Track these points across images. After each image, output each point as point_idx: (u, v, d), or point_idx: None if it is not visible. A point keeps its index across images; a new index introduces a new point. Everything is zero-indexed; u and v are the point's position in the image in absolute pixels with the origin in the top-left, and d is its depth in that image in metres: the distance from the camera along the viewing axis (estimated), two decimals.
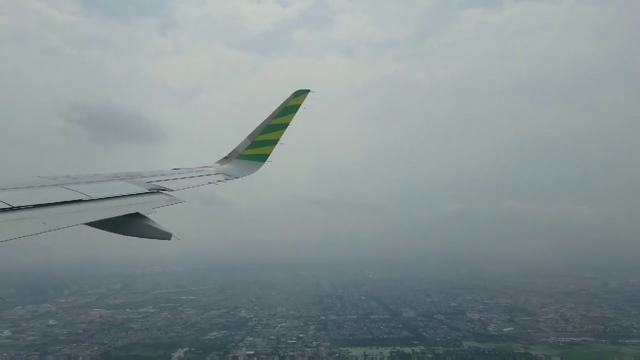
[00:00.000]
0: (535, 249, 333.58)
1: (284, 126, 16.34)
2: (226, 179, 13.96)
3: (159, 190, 10.09)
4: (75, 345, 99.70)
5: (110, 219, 7.59)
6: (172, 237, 8.16)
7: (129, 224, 8.06)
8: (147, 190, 9.82)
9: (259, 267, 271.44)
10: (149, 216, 8.30)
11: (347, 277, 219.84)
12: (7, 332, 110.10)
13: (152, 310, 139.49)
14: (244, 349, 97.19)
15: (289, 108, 16.50)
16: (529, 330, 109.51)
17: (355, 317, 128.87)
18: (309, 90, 16.68)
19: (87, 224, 7.14)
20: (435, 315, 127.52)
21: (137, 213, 8.21)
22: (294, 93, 16.69)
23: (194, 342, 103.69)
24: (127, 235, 8.07)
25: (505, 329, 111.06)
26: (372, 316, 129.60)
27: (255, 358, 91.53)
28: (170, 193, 10.14)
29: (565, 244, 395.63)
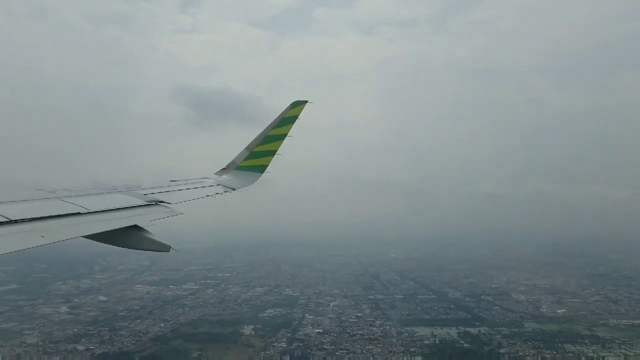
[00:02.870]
0: (557, 229, 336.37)
1: (282, 137, 16.23)
2: (225, 191, 13.97)
3: (157, 203, 10.22)
4: (139, 321, 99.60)
5: (108, 231, 7.69)
6: (171, 249, 8.31)
7: (127, 236, 8.18)
8: (145, 203, 9.96)
9: (275, 246, 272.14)
10: (147, 228, 8.42)
11: (369, 257, 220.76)
12: (64, 308, 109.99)
13: (196, 287, 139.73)
14: (309, 327, 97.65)
15: (287, 119, 16.36)
16: (583, 312, 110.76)
17: (402, 297, 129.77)
18: (306, 101, 16.56)
19: (84, 236, 7.21)
20: (482, 297, 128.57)
21: (135, 225, 8.31)
22: (292, 104, 16.52)
23: (254, 319, 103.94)
24: (125, 247, 8.21)
25: (559, 311, 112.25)
26: (419, 296, 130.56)
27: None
28: (168, 205, 10.28)
29: (587, 224, 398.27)
